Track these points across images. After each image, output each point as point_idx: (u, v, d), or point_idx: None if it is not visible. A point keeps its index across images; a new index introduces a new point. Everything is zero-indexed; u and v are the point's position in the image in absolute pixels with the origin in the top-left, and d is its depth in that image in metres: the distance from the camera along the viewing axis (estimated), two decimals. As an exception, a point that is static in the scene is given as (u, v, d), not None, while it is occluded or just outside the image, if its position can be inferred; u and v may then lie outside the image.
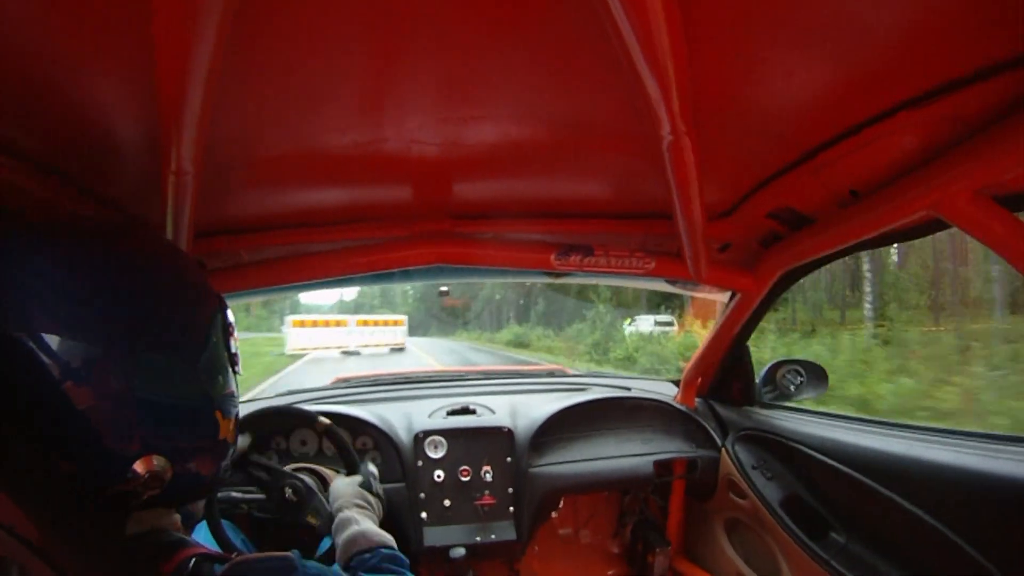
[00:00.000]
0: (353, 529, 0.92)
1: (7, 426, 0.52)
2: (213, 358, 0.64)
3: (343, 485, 1.08)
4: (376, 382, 2.05)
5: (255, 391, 5.46)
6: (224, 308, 0.69)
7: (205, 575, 0.57)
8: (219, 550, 0.93)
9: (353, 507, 1.01)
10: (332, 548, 1.14)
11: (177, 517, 0.68)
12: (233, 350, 0.69)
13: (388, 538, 0.91)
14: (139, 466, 0.56)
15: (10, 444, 0.51)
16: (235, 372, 0.70)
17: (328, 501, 1.14)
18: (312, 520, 1.18)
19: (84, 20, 0.54)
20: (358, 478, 1.10)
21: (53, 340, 0.52)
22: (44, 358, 0.51)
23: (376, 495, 1.09)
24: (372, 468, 1.16)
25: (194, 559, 0.58)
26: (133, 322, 0.57)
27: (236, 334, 0.71)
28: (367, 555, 0.85)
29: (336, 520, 0.98)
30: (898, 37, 0.63)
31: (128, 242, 0.62)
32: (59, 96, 0.65)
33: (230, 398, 0.67)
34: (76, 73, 0.62)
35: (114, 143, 0.78)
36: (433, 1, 0.58)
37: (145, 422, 0.56)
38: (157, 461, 0.57)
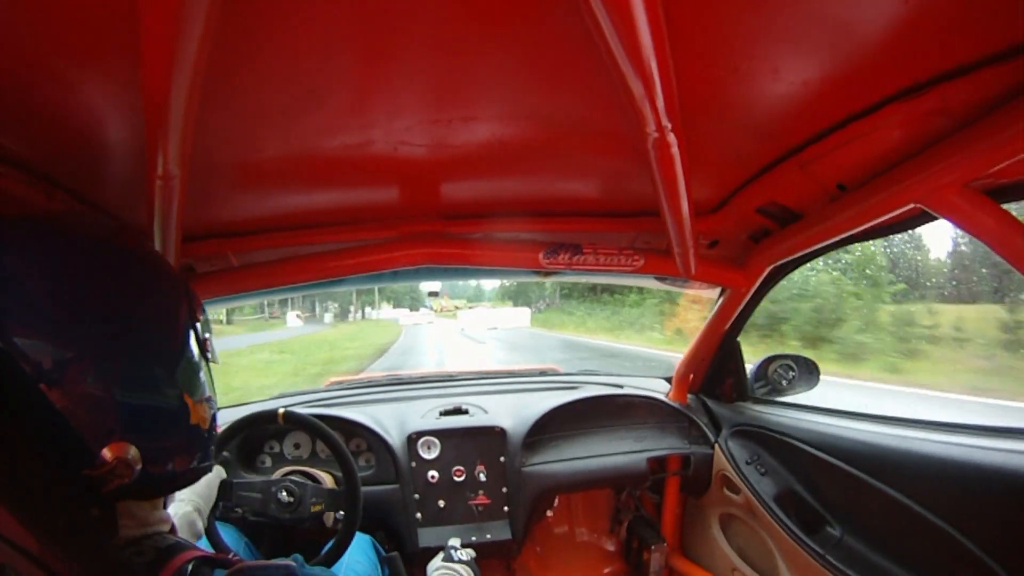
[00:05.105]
0: None
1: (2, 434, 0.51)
2: (188, 355, 0.63)
3: (432, 569, 1.09)
4: (369, 384, 2.05)
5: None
6: (192, 297, 0.67)
7: None
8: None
9: None
10: (336, 546, 1.15)
11: (170, 522, 0.67)
12: (204, 336, 0.68)
13: None
14: (107, 452, 0.54)
15: (5, 453, 0.51)
16: (208, 360, 0.69)
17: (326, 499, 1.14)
18: (317, 508, 1.19)
19: (70, 25, 0.53)
20: (441, 555, 1.12)
21: (26, 342, 0.51)
22: (17, 360, 0.50)
23: (461, 562, 1.09)
24: (452, 542, 1.16)
25: (192, 563, 0.58)
26: (105, 323, 0.56)
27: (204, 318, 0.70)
28: None
29: None
30: (884, 31, 0.63)
31: (102, 241, 0.60)
32: (45, 100, 0.64)
33: (201, 387, 0.65)
34: (62, 78, 0.61)
35: (101, 148, 0.77)
36: (420, 3, 0.57)
37: (118, 415, 0.55)
38: (127, 449, 0.55)
